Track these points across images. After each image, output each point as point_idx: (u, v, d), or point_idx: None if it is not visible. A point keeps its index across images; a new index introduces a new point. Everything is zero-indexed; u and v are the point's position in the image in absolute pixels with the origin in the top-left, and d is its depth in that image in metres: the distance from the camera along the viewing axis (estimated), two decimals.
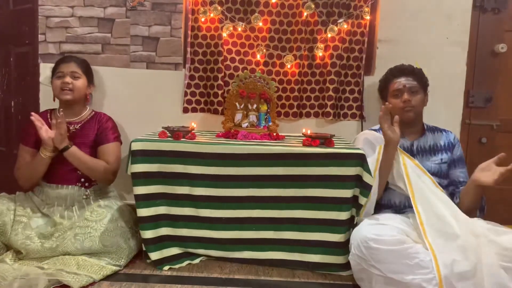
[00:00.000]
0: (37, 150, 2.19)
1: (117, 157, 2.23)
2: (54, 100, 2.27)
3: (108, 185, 2.28)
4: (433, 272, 1.66)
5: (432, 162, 2.14)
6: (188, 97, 2.54)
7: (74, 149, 2.10)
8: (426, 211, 1.88)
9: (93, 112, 2.32)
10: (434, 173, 2.11)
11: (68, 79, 2.19)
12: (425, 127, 2.24)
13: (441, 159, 2.16)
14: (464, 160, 2.20)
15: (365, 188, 1.94)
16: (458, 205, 2.03)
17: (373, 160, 2.03)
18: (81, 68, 2.25)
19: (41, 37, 2.52)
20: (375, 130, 2.29)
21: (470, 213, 2.01)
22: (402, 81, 2.19)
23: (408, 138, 2.19)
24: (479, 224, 1.85)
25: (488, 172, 1.91)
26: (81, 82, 2.23)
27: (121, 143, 2.31)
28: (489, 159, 1.93)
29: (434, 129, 2.25)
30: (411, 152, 2.15)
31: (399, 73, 2.23)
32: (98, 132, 2.24)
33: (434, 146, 2.18)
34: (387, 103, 2.17)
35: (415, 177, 1.98)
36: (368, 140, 2.17)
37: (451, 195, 2.12)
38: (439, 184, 2.08)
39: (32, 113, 2.10)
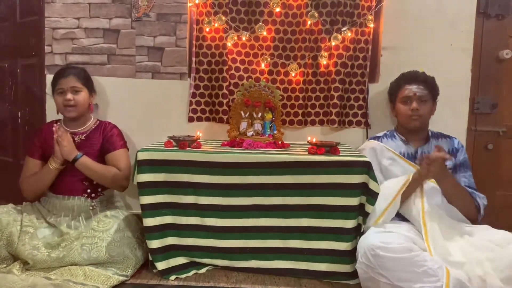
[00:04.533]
0: (43, 162, 2.21)
1: (127, 163, 2.24)
2: (58, 113, 2.27)
3: (122, 191, 2.27)
4: (442, 280, 1.65)
5: None
6: (194, 106, 2.55)
7: (84, 158, 2.11)
8: (436, 245, 1.85)
9: (98, 122, 2.33)
10: None
11: (69, 95, 2.17)
12: (430, 134, 2.23)
13: (445, 166, 2.14)
14: (468, 164, 2.19)
15: (372, 196, 1.93)
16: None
17: (396, 188, 2.00)
18: (80, 80, 2.22)
19: (47, 49, 2.55)
20: (378, 137, 2.29)
21: (468, 213, 2.02)
22: (413, 89, 2.18)
23: (413, 145, 2.20)
24: (486, 238, 1.83)
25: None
26: (82, 95, 2.22)
27: (128, 149, 2.32)
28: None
29: (439, 136, 2.24)
30: (414, 159, 2.15)
31: (411, 79, 2.22)
32: (104, 140, 2.25)
33: None
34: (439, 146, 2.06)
35: (430, 216, 1.93)
36: (375, 150, 2.17)
37: None
38: None
39: (54, 124, 2.14)
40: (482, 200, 2.07)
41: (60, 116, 2.31)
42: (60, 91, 2.20)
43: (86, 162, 2.12)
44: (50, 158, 2.12)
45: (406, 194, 1.99)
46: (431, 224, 1.88)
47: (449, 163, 2.13)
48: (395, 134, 2.28)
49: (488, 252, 1.73)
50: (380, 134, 2.32)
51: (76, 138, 2.21)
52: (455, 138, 2.25)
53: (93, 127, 2.29)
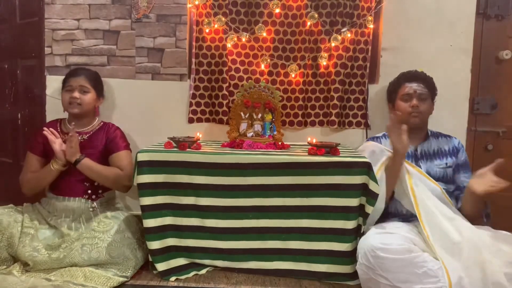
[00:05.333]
0: (44, 158, 2.22)
1: (130, 163, 2.23)
2: (64, 111, 2.28)
3: (126, 191, 2.27)
4: (442, 281, 1.65)
5: (436, 167, 2.14)
6: (193, 107, 2.55)
7: (86, 160, 2.12)
8: (432, 228, 1.85)
9: (102, 123, 2.34)
10: (439, 178, 2.11)
11: (76, 93, 2.20)
12: (429, 133, 2.24)
13: (446, 164, 2.15)
14: (468, 165, 2.20)
15: (372, 197, 1.93)
16: (460, 210, 2.02)
17: (376, 168, 2.01)
18: (90, 82, 2.26)
19: (47, 50, 2.55)
20: (377, 137, 2.30)
21: (474, 220, 1.99)
22: (413, 86, 2.19)
23: (412, 143, 2.19)
24: (486, 233, 1.83)
25: (482, 179, 1.87)
26: (89, 96, 2.24)
27: (131, 151, 2.32)
28: (488, 165, 1.89)
29: (438, 135, 2.25)
30: (415, 156, 2.15)
31: (411, 78, 2.23)
32: (107, 142, 2.26)
33: (438, 151, 2.19)
34: (397, 112, 2.15)
35: (420, 195, 1.94)
36: (374, 153, 2.17)
37: (456, 200, 2.11)
38: (446, 190, 2.08)
39: (44, 128, 2.13)
40: (488, 205, 2.06)
41: (62, 116, 2.32)
42: (69, 89, 2.22)
43: (88, 164, 2.12)
44: (52, 160, 2.12)
45: (393, 174, 2.00)
46: (424, 209, 1.88)
47: (450, 161, 2.14)
48: None
49: (488, 254, 1.73)
50: (379, 134, 2.32)
51: (79, 138, 2.22)
52: (455, 138, 2.25)
53: (97, 128, 2.30)
